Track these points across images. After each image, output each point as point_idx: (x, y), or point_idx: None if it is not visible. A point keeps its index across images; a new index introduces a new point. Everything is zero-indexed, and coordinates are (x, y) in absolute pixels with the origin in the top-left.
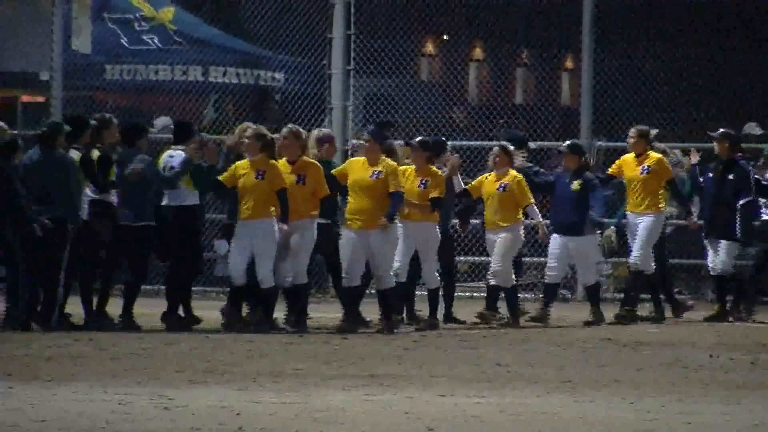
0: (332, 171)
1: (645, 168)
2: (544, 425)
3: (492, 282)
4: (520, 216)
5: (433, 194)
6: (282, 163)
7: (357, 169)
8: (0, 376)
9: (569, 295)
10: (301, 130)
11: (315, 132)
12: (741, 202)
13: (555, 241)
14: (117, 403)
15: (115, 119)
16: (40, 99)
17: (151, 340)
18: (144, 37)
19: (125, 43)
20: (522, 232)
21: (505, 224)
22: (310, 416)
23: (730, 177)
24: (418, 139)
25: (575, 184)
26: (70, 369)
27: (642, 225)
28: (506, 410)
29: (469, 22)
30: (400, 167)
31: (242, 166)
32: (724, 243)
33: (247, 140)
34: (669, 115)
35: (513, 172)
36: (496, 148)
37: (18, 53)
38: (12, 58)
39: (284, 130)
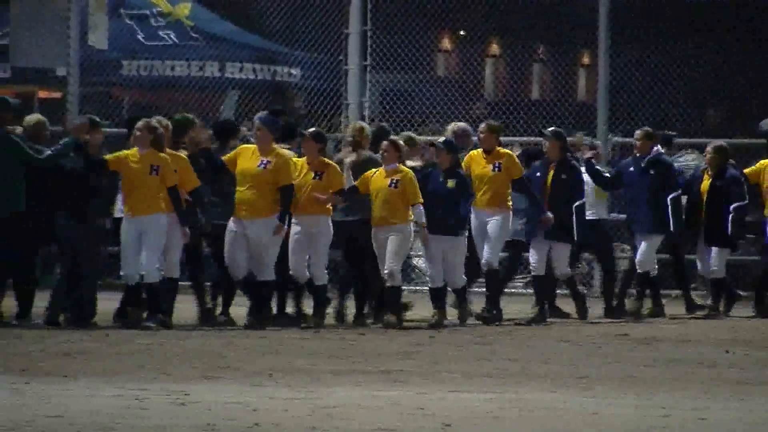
0: (223, 157)
1: (497, 165)
2: (557, 421)
3: (388, 284)
4: (410, 213)
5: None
6: (301, 162)
7: (246, 157)
8: (15, 372)
9: (585, 291)
10: (400, 141)
11: (451, 126)
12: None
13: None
14: (132, 399)
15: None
16: (57, 95)
17: (165, 336)
18: (160, 33)
19: (142, 39)
20: (412, 229)
21: (395, 222)
22: (324, 412)
23: (563, 177)
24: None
25: (450, 182)
26: (84, 365)
27: (493, 224)
28: (520, 406)
29: (485, 18)
30: (297, 160)
31: (132, 156)
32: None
33: (137, 132)
34: (684, 111)
35: (404, 168)
36: (384, 143)
37: (35, 49)
38: (29, 54)
39: (383, 143)
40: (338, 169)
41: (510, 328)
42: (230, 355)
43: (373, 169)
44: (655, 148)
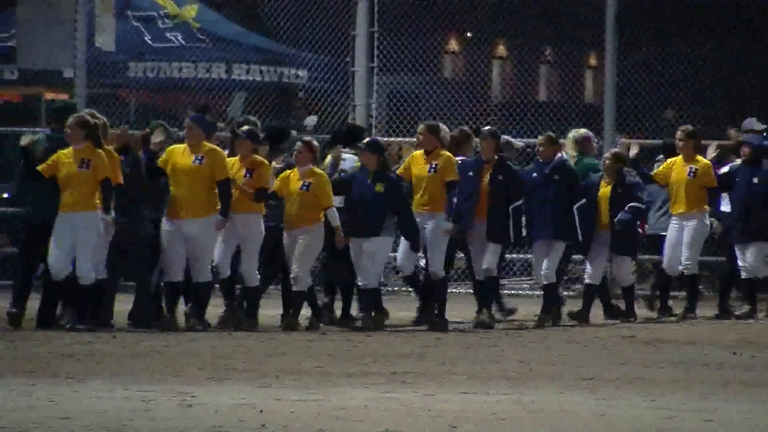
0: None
1: (432, 166)
2: (565, 423)
3: (296, 288)
4: (321, 216)
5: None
6: (294, 171)
7: (177, 155)
8: (22, 373)
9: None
10: (314, 142)
11: (572, 134)
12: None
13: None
14: (139, 401)
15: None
16: (64, 96)
17: (172, 338)
18: (167, 35)
19: (149, 41)
20: (322, 233)
21: (306, 225)
22: (331, 414)
23: (499, 177)
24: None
25: (379, 186)
26: (91, 366)
27: (429, 229)
28: (527, 408)
29: (492, 19)
30: (231, 159)
31: (65, 155)
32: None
33: (68, 129)
34: (691, 111)
35: (317, 170)
36: (298, 143)
37: (42, 51)
38: (36, 56)
39: (298, 144)
40: (268, 168)
41: (516, 330)
42: (237, 356)
43: (288, 171)
44: (559, 155)
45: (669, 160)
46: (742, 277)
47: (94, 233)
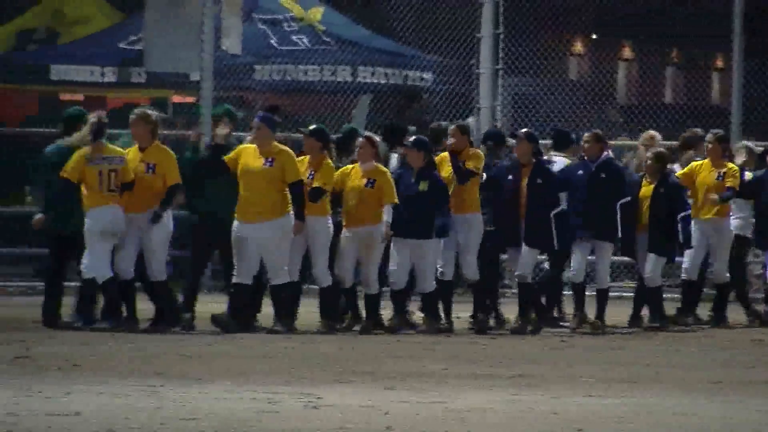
0: (224, 156)
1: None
2: (690, 426)
3: (369, 292)
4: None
5: (317, 183)
6: (355, 167)
7: (248, 156)
8: (150, 374)
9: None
10: (375, 137)
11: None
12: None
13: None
14: (266, 402)
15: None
16: (191, 99)
17: (297, 340)
18: (293, 38)
19: (274, 44)
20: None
21: (371, 223)
22: (456, 416)
23: (538, 181)
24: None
25: (422, 184)
26: (218, 367)
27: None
28: (655, 411)
29: (618, 21)
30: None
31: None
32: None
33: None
34: None
35: (381, 167)
36: (360, 139)
37: (169, 54)
38: (163, 59)
39: (359, 139)
40: (331, 168)
41: (644, 333)
42: (362, 359)
43: (348, 167)
44: (605, 153)
45: (694, 163)
46: None
47: (162, 233)
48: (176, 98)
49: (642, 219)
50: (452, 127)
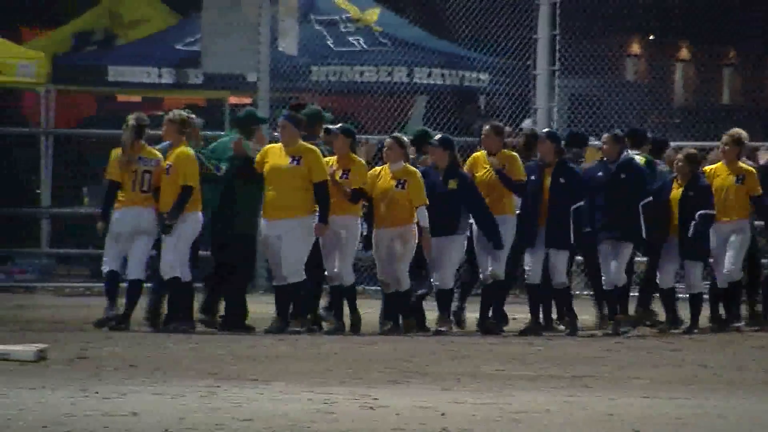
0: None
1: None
2: (748, 428)
3: (399, 290)
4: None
5: (354, 185)
6: (384, 169)
7: (274, 156)
8: (205, 375)
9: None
10: (404, 138)
11: None
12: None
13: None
14: (321, 403)
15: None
16: (247, 100)
17: (352, 341)
18: (349, 39)
19: (331, 45)
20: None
21: (400, 225)
22: (512, 417)
23: (561, 180)
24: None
25: (452, 183)
26: (273, 369)
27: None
28: (711, 413)
29: (675, 22)
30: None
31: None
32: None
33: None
34: None
35: (410, 168)
36: (387, 140)
37: (226, 55)
38: (220, 60)
39: (387, 140)
40: (365, 167)
41: (698, 335)
42: (417, 359)
43: (377, 168)
44: (625, 153)
45: (710, 167)
46: None
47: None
48: (233, 99)
49: (672, 221)
50: (486, 127)
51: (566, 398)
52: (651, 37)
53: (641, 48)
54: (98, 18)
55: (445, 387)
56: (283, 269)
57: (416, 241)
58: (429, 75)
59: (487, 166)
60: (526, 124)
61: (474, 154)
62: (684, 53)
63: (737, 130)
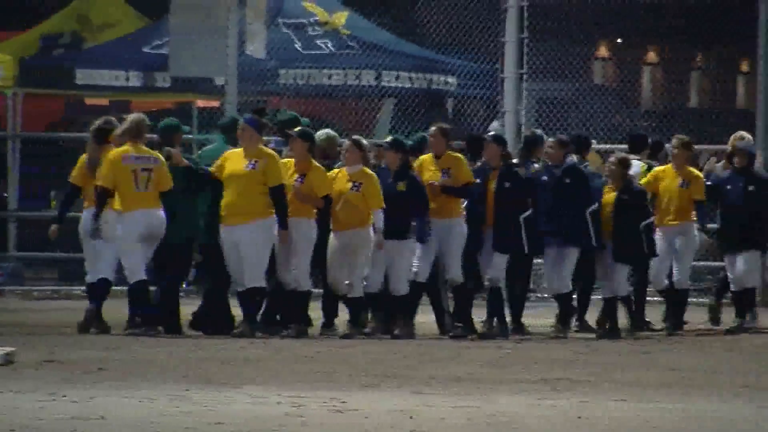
0: (210, 168)
1: (446, 171)
2: (719, 431)
3: (353, 295)
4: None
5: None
6: (342, 171)
7: (233, 161)
8: (175, 378)
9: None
10: (363, 140)
11: None
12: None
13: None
14: (291, 406)
15: None
16: (215, 104)
17: (327, 345)
18: (318, 42)
19: (299, 48)
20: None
21: (357, 227)
22: (483, 421)
23: (506, 185)
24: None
25: (401, 185)
26: (244, 372)
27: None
28: (682, 416)
29: (642, 25)
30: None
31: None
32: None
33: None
34: None
35: (368, 171)
36: (346, 142)
37: (193, 59)
38: (188, 64)
39: (345, 143)
40: (324, 172)
41: (670, 338)
42: (389, 363)
43: (335, 171)
44: (570, 157)
45: (657, 169)
46: (732, 289)
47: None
48: (201, 103)
49: (604, 226)
50: (432, 128)
51: (537, 401)
52: (619, 41)
53: (609, 51)
54: (66, 21)
55: (415, 390)
56: (245, 275)
57: (372, 244)
58: (397, 78)
59: (433, 168)
60: (494, 126)
61: (421, 157)
62: (652, 56)
63: (682, 137)
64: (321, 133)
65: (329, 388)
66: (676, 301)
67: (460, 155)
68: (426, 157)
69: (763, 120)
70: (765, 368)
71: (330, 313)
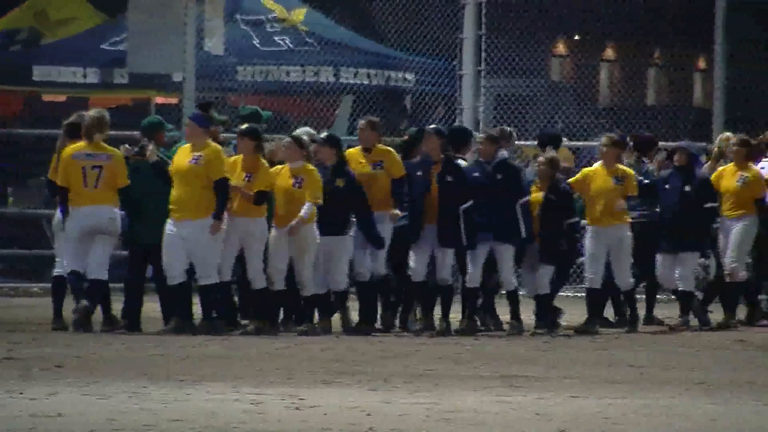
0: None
1: (378, 164)
2: (677, 427)
3: (305, 293)
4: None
5: (258, 188)
6: (285, 167)
7: (179, 156)
8: (135, 375)
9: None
10: (303, 137)
11: None
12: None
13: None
14: (249, 403)
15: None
16: (173, 100)
17: (285, 342)
18: (276, 38)
19: (257, 45)
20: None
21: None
22: (441, 417)
23: (448, 179)
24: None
25: (339, 181)
26: (203, 369)
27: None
28: (639, 411)
29: (600, 22)
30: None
31: None
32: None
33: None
34: None
35: (309, 167)
36: (286, 139)
37: (152, 55)
38: (146, 60)
39: (285, 140)
40: (268, 170)
41: (628, 335)
42: (348, 360)
43: (278, 167)
44: (501, 153)
45: (587, 169)
46: (680, 288)
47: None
48: (159, 99)
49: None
50: (362, 121)
51: (495, 398)
52: (576, 37)
53: (567, 48)
54: (24, 17)
55: (373, 387)
56: (197, 272)
57: (318, 241)
58: (355, 75)
59: (363, 161)
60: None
61: (348, 150)
62: (609, 53)
63: (612, 135)
64: (301, 131)
65: (287, 384)
66: (626, 298)
67: (390, 148)
68: (353, 151)
69: (719, 117)
70: (719, 364)
71: (293, 310)
